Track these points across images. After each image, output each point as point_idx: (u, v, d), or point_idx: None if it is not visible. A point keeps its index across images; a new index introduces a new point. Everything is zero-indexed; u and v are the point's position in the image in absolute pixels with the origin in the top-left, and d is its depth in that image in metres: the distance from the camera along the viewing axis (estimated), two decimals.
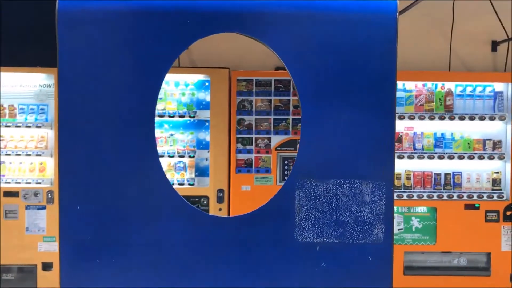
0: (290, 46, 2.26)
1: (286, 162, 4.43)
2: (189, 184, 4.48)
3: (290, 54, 2.27)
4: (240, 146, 4.41)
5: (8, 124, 4.39)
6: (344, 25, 2.25)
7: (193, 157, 4.49)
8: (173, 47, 2.43)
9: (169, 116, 4.45)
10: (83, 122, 2.46)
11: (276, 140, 4.43)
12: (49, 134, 4.42)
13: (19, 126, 4.39)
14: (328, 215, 2.28)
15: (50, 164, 4.42)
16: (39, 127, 4.40)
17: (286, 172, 4.40)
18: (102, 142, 2.51)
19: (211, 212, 4.29)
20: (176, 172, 4.49)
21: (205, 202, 4.34)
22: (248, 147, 4.42)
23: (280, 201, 2.29)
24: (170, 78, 4.47)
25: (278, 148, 4.44)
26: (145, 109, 2.52)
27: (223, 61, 4.66)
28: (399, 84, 4.44)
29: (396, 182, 4.42)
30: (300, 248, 2.29)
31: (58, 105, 2.41)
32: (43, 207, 4.30)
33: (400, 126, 4.45)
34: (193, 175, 4.51)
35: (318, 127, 2.27)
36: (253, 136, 4.42)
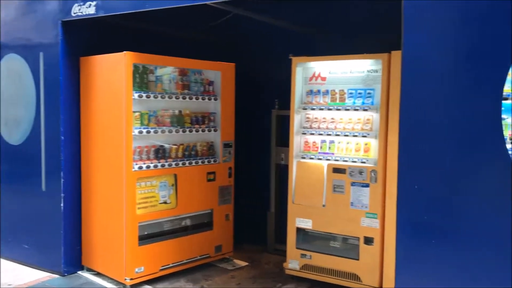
0: None
1: None
2: None
3: None
4: None
5: (339, 108, 4.83)
6: None
7: None
8: None
9: None
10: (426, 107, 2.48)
11: None
12: (374, 117, 4.65)
13: (348, 109, 4.78)
14: None
15: (374, 145, 4.66)
16: (366, 110, 4.67)
17: None
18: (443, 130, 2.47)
19: None
20: None
21: None
22: None
23: None
24: None
25: None
26: None
27: None
28: None
29: None
30: None
31: (401, 85, 2.49)
32: (367, 185, 4.58)
33: None
34: None
35: None
36: None
